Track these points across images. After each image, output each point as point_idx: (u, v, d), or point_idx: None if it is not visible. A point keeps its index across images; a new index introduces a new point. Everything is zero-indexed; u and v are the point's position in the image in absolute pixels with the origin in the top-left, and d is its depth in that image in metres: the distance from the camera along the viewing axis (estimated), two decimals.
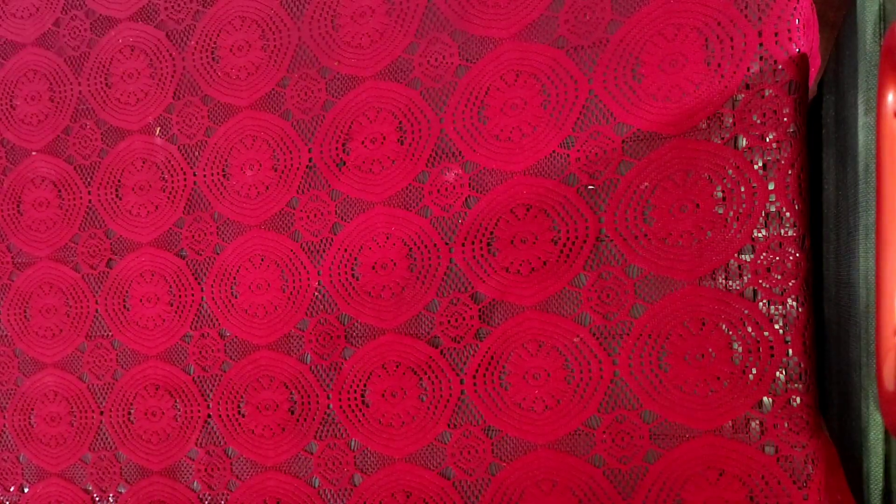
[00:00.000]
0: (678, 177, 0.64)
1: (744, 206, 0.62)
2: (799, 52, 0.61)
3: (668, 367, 0.64)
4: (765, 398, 0.62)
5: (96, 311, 0.85)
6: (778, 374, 0.61)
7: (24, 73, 0.89)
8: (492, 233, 0.69)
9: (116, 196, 0.84)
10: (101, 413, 0.84)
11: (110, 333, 0.84)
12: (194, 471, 0.80)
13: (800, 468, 0.61)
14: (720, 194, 0.63)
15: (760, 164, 0.62)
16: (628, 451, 0.65)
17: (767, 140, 0.62)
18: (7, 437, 0.88)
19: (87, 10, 0.87)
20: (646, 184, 0.65)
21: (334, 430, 0.75)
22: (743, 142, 0.63)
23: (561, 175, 0.68)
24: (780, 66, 0.62)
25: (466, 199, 0.71)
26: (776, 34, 0.62)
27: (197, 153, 0.81)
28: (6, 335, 0.89)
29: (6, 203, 0.89)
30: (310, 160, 0.76)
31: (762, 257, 0.62)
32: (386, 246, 0.73)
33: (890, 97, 0.46)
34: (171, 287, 0.81)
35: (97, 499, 0.84)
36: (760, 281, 0.62)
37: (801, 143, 0.62)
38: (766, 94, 0.62)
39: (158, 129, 0.83)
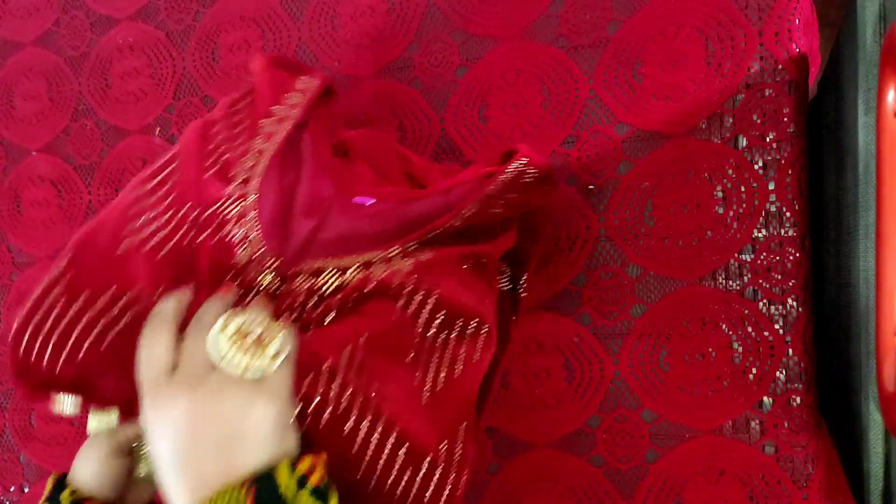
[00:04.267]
0: (678, 177, 0.64)
1: (744, 205, 0.62)
2: (799, 52, 0.61)
3: (668, 366, 0.64)
4: (765, 398, 0.62)
5: None
6: (778, 374, 0.61)
7: (24, 72, 0.89)
8: None
9: (116, 196, 0.84)
10: None
11: None
12: None
13: (800, 468, 0.61)
14: (720, 194, 0.63)
15: (760, 163, 0.62)
16: (628, 450, 0.65)
17: (767, 140, 0.62)
18: (7, 437, 0.88)
19: (87, 10, 0.87)
20: (646, 183, 0.65)
21: None
22: (743, 142, 0.63)
23: (561, 175, 0.68)
24: (780, 66, 0.62)
25: None
26: (776, 34, 0.62)
27: None
28: (6, 335, 0.89)
29: (6, 203, 0.89)
30: None
31: (762, 257, 0.62)
32: None
33: (890, 97, 0.46)
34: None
35: None
36: (760, 281, 0.62)
37: (801, 143, 0.62)
38: (766, 93, 0.62)
39: (158, 129, 0.83)
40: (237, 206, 0.58)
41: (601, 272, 0.66)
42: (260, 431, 0.38)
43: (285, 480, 0.37)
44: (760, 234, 0.62)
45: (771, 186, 0.62)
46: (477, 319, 0.54)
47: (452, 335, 0.54)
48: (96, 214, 0.60)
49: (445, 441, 0.50)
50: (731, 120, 0.63)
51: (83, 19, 0.87)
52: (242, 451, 0.38)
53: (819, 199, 0.66)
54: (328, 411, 0.47)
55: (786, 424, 0.61)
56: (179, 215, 0.57)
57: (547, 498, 0.67)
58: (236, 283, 0.56)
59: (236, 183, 0.59)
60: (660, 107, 0.65)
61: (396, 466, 0.47)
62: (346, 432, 0.47)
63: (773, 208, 0.62)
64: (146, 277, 0.54)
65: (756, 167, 0.62)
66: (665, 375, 0.64)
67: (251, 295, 0.56)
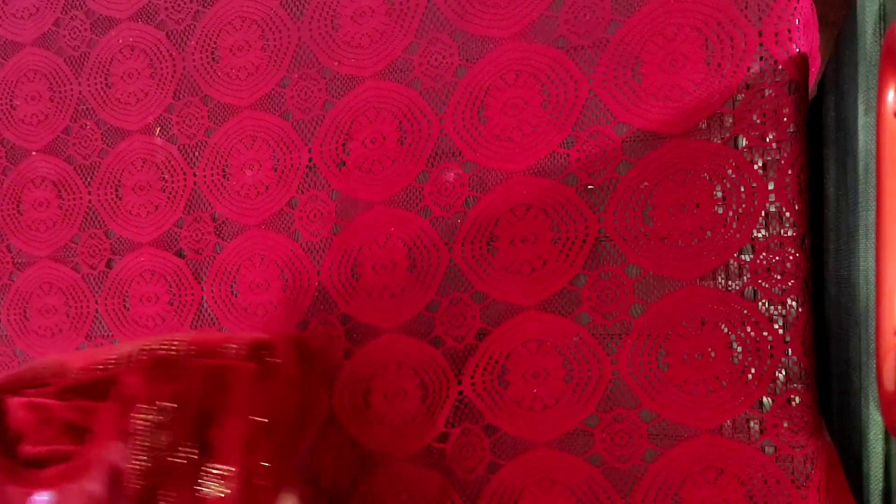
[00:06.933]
0: (678, 177, 0.64)
1: (743, 206, 0.62)
2: (799, 52, 0.62)
3: (666, 366, 0.64)
4: (764, 398, 0.62)
5: (96, 311, 0.85)
6: (777, 373, 0.61)
7: (24, 73, 0.89)
8: (491, 232, 0.69)
9: (116, 196, 0.84)
10: None
11: (110, 333, 0.84)
12: None
13: (799, 468, 0.61)
14: (720, 194, 0.63)
15: (760, 164, 0.62)
16: (627, 450, 0.65)
17: (767, 140, 0.62)
18: None
19: (87, 10, 0.87)
20: (645, 184, 0.65)
21: (336, 429, 0.75)
22: (743, 142, 0.63)
23: (561, 175, 0.68)
24: (780, 66, 0.62)
25: (466, 199, 0.71)
26: (776, 34, 0.62)
27: (197, 153, 0.81)
28: (6, 335, 0.89)
29: (6, 203, 0.89)
30: (310, 160, 0.76)
31: (762, 257, 0.62)
32: (385, 246, 0.73)
33: (890, 97, 0.46)
34: (171, 286, 0.81)
35: None
36: (760, 281, 0.62)
37: (801, 143, 0.62)
38: (766, 94, 0.62)
39: (158, 129, 0.83)
40: None
41: (600, 272, 0.66)
42: None
43: None
44: (760, 235, 0.62)
45: (771, 186, 0.62)
46: None
47: None
48: None
49: None
50: (730, 120, 0.63)
51: (83, 19, 0.87)
52: None
53: (819, 199, 0.66)
54: None
55: (785, 424, 0.61)
56: None
57: (545, 497, 0.67)
58: None
59: None
60: (659, 107, 0.65)
61: None
62: None
63: (772, 208, 0.62)
64: None
65: (756, 167, 0.62)
66: (664, 375, 0.64)
67: None
